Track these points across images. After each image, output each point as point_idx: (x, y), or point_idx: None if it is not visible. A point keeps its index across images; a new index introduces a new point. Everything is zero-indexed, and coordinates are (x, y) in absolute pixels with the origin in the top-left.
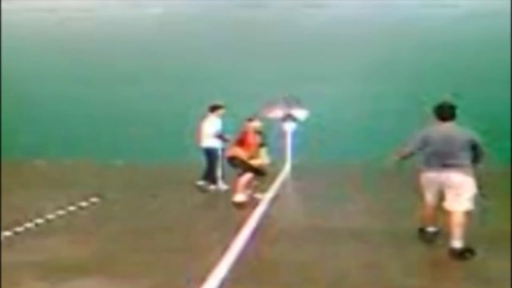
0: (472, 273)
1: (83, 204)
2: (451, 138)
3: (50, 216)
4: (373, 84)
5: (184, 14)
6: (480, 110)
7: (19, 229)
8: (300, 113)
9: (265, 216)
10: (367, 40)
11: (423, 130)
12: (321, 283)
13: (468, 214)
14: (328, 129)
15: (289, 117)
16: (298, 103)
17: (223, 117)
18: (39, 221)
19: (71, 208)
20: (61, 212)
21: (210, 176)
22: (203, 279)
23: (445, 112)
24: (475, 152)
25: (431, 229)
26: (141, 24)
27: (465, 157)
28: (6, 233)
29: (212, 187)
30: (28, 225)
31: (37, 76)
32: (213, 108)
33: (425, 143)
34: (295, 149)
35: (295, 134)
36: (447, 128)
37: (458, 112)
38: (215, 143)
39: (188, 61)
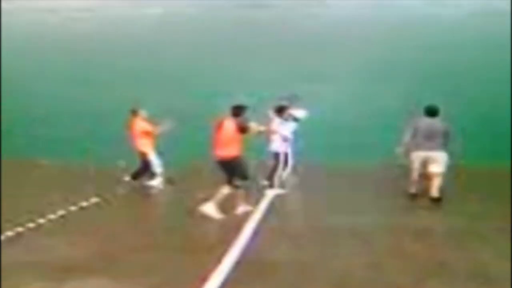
0: (472, 273)
1: (84, 204)
2: (434, 128)
3: (50, 216)
4: (374, 84)
5: (184, 14)
6: (480, 110)
7: (19, 229)
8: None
9: (267, 216)
10: (367, 40)
11: (413, 123)
12: (322, 283)
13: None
14: (328, 129)
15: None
16: (298, 103)
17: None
18: (40, 221)
19: (72, 208)
20: (61, 212)
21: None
22: (204, 279)
23: (431, 111)
24: (448, 137)
25: (413, 190)
26: (141, 24)
27: (441, 140)
28: (7, 233)
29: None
30: (28, 225)
31: (37, 76)
32: (281, 110)
33: (415, 131)
34: (295, 149)
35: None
36: (431, 121)
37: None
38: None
39: (188, 61)
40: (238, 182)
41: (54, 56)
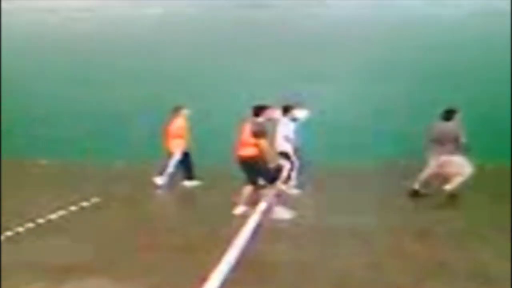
0: (472, 273)
1: (84, 204)
2: (444, 133)
3: (50, 216)
4: (374, 84)
5: (184, 14)
6: (480, 110)
7: (19, 229)
8: (301, 113)
9: (266, 216)
10: (367, 40)
11: (431, 126)
12: (322, 283)
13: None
14: (328, 129)
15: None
16: (299, 103)
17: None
18: (40, 221)
19: (72, 208)
20: (61, 212)
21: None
22: (203, 279)
23: (444, 115)
24: (458, 141)
25: (416, 186)
26: (141, 24)
27: (453, 145)
28: (7, 233)
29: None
30: (28, 225)
31: (37, 76)
32: (287, 110)
33: (430, 134)
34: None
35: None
36: (443, 126)
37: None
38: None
39: (188, 61)
40: (261, 182)
41: (54, 56)
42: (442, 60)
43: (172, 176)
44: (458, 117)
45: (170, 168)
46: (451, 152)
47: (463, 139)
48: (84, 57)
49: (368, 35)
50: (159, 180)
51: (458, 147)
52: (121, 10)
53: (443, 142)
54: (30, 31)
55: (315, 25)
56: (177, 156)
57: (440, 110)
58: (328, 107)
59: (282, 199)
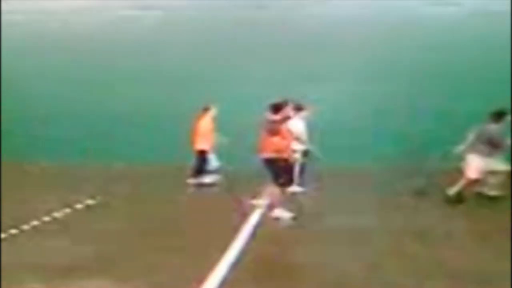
0: (472, 273)
1: (84, 204)
2: (482, 133)
3: (50, 217)
4: (374, 84)
5: (184, 14)
6: (480, 110)
7: (19, 229)
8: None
9: (267, 216)
10: (367, 40)
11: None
12: (322, 283)
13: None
14: (328, 129)
15: (288, 118)
16: (298, 103)
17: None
18: (39, 221)
19: (71, 208)
20: (61, 212)
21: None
22: (203, 279)
23: (491, 115)
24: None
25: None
26: (141, 24)
27: (483, 146)
28: (7, 234)
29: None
30: (28, 225)
31: (37, 76)
32: (297, 109)
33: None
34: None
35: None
36: (486, 126)
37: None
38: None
39: (188, 61)
40: (281, 180)
41: (54, 56)
42: (442, 60)
43: (218, 172)
44: (507, 119)
45: (211, 166)
46: (477, 152)
47: (507, 141)
48: (84, 57)
49: (368, 35)
50: (207, 179)
51: (492, 150)
52: (121, 11)
53: (479, 142)
54: (30, 31)
55: (315, 25)
56: (209, 153)
57: (440, 111)
58: (328, 107)
59: (283, 199)
